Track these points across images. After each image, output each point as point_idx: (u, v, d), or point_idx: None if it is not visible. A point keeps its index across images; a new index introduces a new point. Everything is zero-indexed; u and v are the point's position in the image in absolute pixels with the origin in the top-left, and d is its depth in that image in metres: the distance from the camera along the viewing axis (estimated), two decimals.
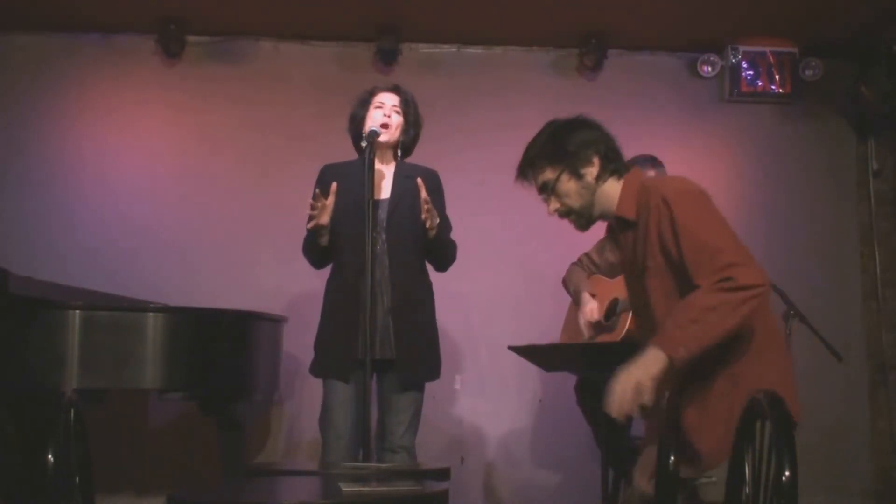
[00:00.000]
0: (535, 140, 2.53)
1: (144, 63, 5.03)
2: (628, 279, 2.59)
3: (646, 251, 2.40)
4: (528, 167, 2.51)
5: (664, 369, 2.18)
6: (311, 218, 3.29)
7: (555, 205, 2.50)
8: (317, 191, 3.29)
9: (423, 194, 3.22)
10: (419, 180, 3.25)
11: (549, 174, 2.47)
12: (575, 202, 2.48)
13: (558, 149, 2.46)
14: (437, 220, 3.27)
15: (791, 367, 2.41)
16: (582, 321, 3.78)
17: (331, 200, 3.27)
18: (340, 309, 3.34)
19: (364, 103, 3.46)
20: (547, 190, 2.50)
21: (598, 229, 2.69)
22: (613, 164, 2.47)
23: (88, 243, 4.84)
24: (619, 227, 2.50)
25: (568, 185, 2.46)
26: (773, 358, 2.35)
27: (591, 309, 3.76)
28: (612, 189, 2.47)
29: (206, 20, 4.92)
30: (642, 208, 2.40)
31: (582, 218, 2.51)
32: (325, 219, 3.28)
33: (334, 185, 3.28)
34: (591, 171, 2.46)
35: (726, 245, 2.26)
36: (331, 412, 3.30)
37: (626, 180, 2.47)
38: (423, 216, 3.22)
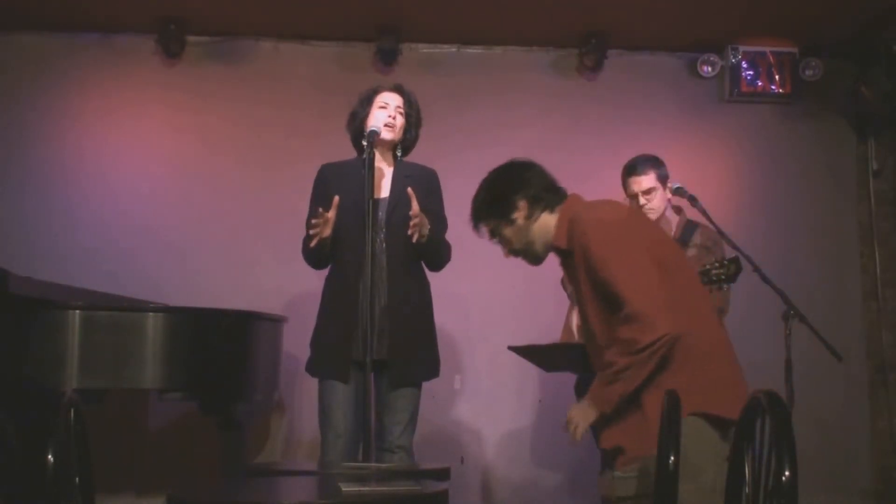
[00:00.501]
0: (474, 198, 2.77)
1: (144, 63, 5.03)
2: (577, 301, 2.80)
3: (579, 278, 2.59)
4: (475, 224, 2.77)
5: (596, 418, 2.58)
6: (310, 236, 3.26)
7: (505, 249, 2.76)
8: (320, 210, 3.26)
9: (415, 208, 3.21)
10: (409, 190, 3.23)
11: (488, 226, 2.74)
12: (516, 244, 2.72)
13: (487, 203, 2.73)
14: (427, 231, 3.26)
15: (723, 368, 2.53)
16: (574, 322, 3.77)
17: (332, 214, 3.25)
18: (338, 308, 3.34)
19: (367, 101, 3.45)
20: (494, 238, 2.76)
21: None
22: (543, 201, 2.68)
23: (88, 243, 4.84)
24: (560, 255, 2.71)
25: (505, 230, 2.71)
26: (693, 367, 2.48)
27: None
28: (548, 222, 2.68)
29: (206, 20, 4.92)
30: (573, 238, 2.59)
31: (528, 255, 2.75)
32: (327, 232, 3.27)
33: (336, 198, 3.25)
34: (520, 214, 2.67)
35: (633, 290, 2.43)
36: (330, 412, 3.30)
37: (560, 212, 2.67)
38: (410, 231, 3.21)
